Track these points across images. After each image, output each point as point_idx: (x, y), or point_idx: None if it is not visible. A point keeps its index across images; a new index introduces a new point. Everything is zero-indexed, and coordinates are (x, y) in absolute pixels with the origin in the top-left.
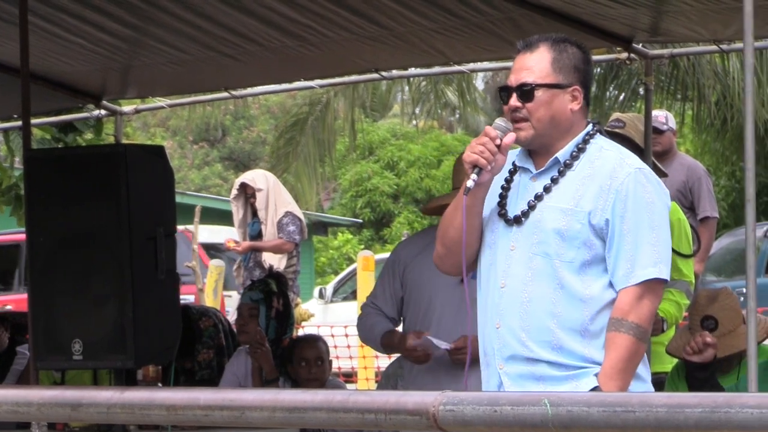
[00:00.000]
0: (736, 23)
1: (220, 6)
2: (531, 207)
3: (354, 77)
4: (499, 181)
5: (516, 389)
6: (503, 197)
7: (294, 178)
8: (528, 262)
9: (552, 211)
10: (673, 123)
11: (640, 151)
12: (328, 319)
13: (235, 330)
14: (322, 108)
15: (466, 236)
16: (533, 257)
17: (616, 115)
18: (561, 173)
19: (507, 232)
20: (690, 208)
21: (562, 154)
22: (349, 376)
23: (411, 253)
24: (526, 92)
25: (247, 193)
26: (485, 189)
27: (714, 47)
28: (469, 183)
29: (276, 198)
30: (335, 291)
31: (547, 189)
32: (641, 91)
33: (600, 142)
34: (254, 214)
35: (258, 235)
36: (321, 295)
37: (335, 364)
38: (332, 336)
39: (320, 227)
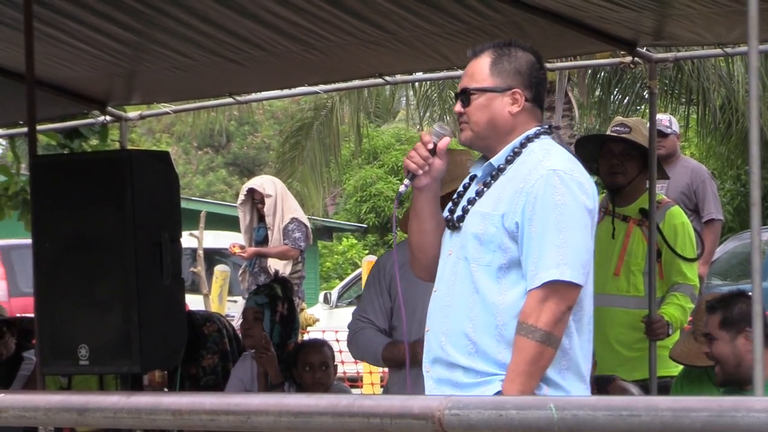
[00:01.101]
0: (740, 26)
1: (224, 11)
2: (465, 212)
3: (358, 82)
4: (459, 188)
5: (437, 393)
6: (455, 204)
7: (300, 183)
8: (453, 266)
9: (475, 215)
10: (676, 126)
11: (646, 156)
12: (333, 324)
13: (240, 334)
14: (327, 113)
15: (420, 240)
16: (457, 262)
17: (619, 119)
18: (493, 177)
19: (450, 238)
20: (694, 211)
21: (497, 158)
22: (355, 381)
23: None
24: (465, 97)
25: (254, 198)
26: (430, 192)
27: (718, 51)
28: (401, 188)
29: (283, 204)
30: (340, 296)
31: (479, 193)
32: (645, 94)
33: (535, 145)
34: (260, 219)
35: (264, 241)
36: (326, 300)
37: (340, 369)
38: (337, 341)
39: (325, 232)
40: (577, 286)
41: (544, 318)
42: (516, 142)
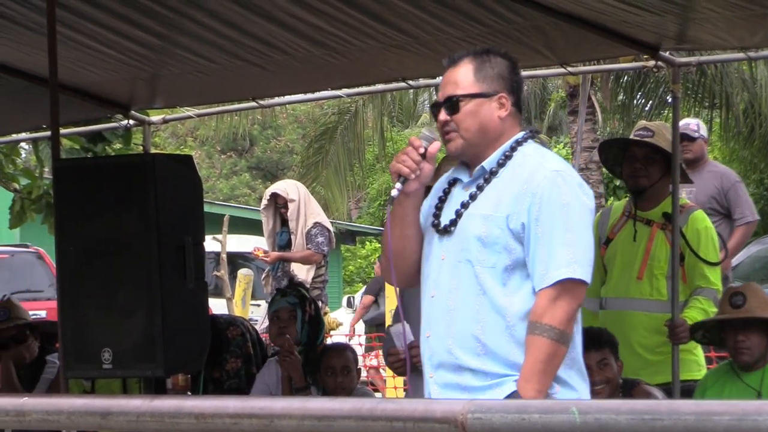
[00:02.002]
0: (763, 30)
1: (247, 15)
2: (458, 216)
3: (381, 86)
4: (438, 193)
5: (443, 399)
6: (438, 209)
7: (324, 187)
8: (453, 270)
9: (474, 218)
10: (704, 131)
11: (669, 160)
12: (357, 327)
13: (265, 338)
14: (351, 117)
15: (401, 246)
16: (458, 265)
17: (642, 123)
18: (486, 181)
19: (439, 243)
20: (725, 215)
21: (489, 162)
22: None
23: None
24: (452, 105)
25: (277, 203)
26: (416, 198)
27: (741, 55)
28: (393, 192)
29: (306, 209)
30: None
31: (472, 197)
32: (669, 99)
33: (527, 148)
34: (283, 224)
35: (287, 245)
36: (349, 304)
37: (363, 373)
38: (360, 345)
39: (348, 236)
40: (585, 284)
41: (557, 317)
42: (506, 145)
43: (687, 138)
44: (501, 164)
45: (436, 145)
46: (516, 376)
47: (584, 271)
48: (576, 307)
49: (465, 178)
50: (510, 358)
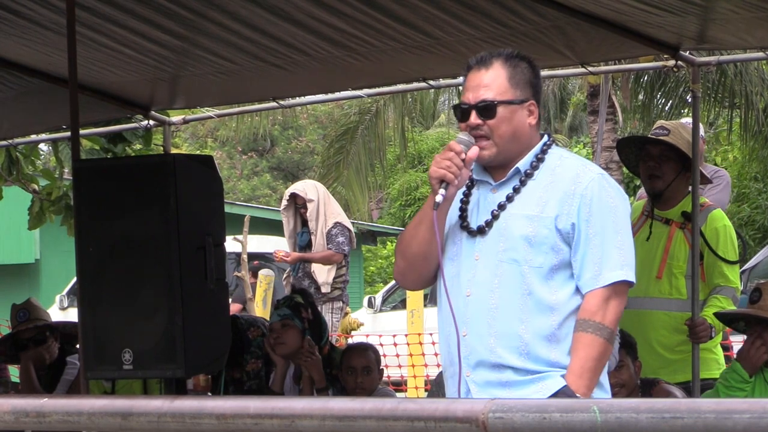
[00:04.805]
0: None
1: (268, 16)
2: (495, 216)
3: (402, 86)
4: (457, 195)
5: (482, 396)
6: (464, 210)
7: (345, 187)
8: (495, 269)
9: (517, 218)
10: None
11: (684, 159)
12: (378, 328)
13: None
14: (372, 117)
15: (426, 250)
16: (500, 264)
17: (660, 122)
18: (522, 182)
19: (471, 243)
20: None
21: (523, 164)
22: (399, 385)
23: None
24: (487, 109)
25: (297, 203)
26: (449, 203)
27: (761, 54)
28: (438, 198)
29: (326, 209)
30: (384, 300)
31: (509, 198)
32: (689, 98)
33: (558, 151)
34: (303, 224)
35: (307, 245)
36: (370, 304)
37: (384, 373)
38: (381, 345)
39: (369, 236)
40: (632, 286)
41: (609, 316)
42: (537, 148)
43: None
44: (535, 167)
45: (475, 151)
46: (559, 371)
47: (633, 274)
48: (623, 308)
49: (491, 180)
50: (551, 357)
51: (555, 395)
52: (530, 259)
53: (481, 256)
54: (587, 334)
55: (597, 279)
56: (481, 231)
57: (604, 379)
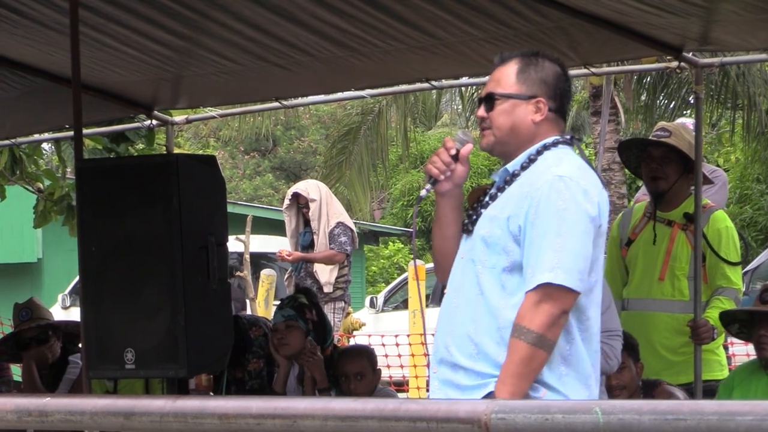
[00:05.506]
0: None
1: (271, 17)
2: (478, 216)
3: (405, 87)
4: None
5: (440, 396)
6: (474, 209)
7: (347, 187)
8: (462, 269)
9: (484, 218)
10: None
11: (686, 160)
12: (380, 328)
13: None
14: (375, 117)
15: (443, 245)
16: (466, 264)
17: (661, 124)
18: (507, 183)
19: (463, 242)
20: None
21: (512, 165)
22: (400, 385)
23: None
24: (489, 101)
25: (299, 203)
26: (453, 198)
27: (764, 56)
28: (422, 192)
29: (328, 208)
30: (386, 300)
31: (492, 197)
32: (691, 99)
33: (551, 153)
34: (305, 224)
35: (309, 245)
36: (372, 305)
37: (386, 373)
38: (383, 345)
39: (371, 236)
40: (572, 291)
41: (537, 321)
42: (533, 149)
43: None
44: (524, 167)
45: (469, 147)
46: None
47: (567, 277)
48: (559, 312)
49: (497, 179)
50: (499, 360)
51: None
52: (485, 260)
53: (464, 255)
54: (513, 339)
55: (529, 281)
56: (468, 230)
57: (568, 383)
